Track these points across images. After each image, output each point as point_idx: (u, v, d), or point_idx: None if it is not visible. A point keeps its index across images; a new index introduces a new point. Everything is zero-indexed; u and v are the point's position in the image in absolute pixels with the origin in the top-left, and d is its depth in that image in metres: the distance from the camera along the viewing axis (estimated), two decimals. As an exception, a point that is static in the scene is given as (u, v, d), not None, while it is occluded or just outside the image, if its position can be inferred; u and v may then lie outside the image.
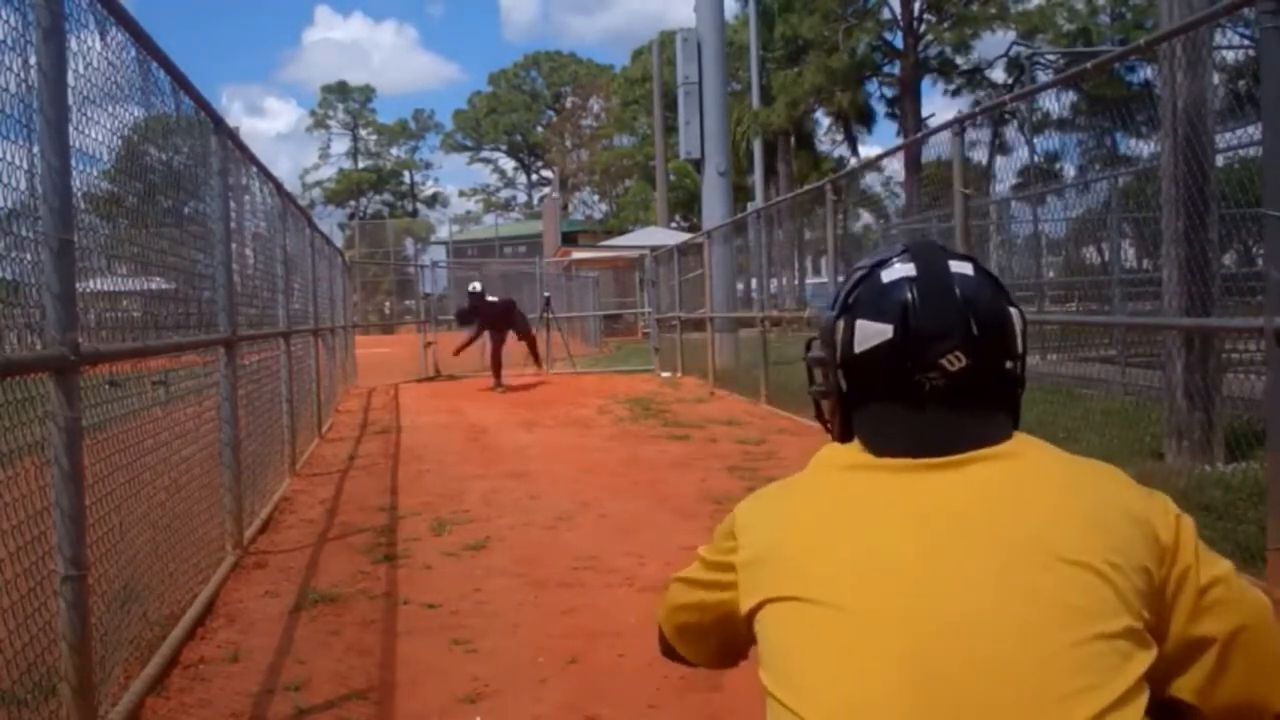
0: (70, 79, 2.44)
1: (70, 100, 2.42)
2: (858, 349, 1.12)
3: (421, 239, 48.56)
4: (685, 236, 19.89)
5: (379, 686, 2.99)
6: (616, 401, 10.86)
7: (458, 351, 13.34)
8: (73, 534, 2.29)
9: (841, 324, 1.14)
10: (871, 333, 1.10)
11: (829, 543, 1.03)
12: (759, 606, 1.04)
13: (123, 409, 3.09)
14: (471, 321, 12.88)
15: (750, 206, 18.51)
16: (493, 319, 12.72)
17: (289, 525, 5.23)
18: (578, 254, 27.67)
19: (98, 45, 2.87)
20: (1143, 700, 0.92)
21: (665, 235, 24.53)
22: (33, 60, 2.28)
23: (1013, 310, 1.12)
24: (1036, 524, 0.98)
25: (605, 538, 4.76)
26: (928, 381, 1.08)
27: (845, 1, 28.94)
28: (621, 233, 34.99)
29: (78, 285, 2.40)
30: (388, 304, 29.10)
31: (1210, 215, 5.23)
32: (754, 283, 12.28)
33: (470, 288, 13.22)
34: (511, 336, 12.97)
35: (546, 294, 16.59)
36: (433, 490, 6.08)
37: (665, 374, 14.36)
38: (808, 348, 1.23)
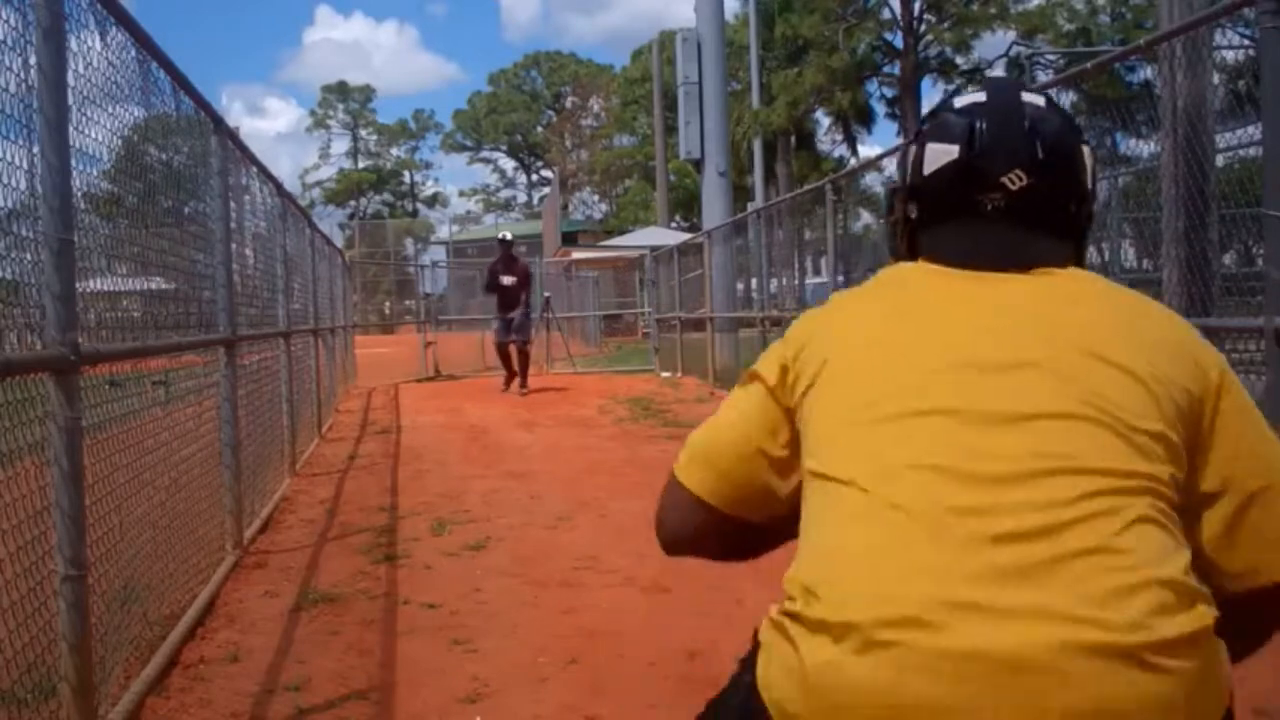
0: (70, 79, 2.43)
1: (70, 100, 2.42)
2: (926, 170, 1.16)
3: (421, 239, 48.59)
4: (685, 236, 19.87)
5: (379, 686, 2.99)
6: (617, 401, 10.85)
7: (506, 362, 11.81)
8: (73, 534, 2.29)
9: (913, 149, 1.19)
10: (939, 153, 1.15)
11: (877, 332, 1.08)
12: (808, 389, 1.07)
13: (123, 409, 3.09)
14: (495, 288, 11.66)
15: (750, 206, 18.49)
16: (507, 291, 11.52)
17: (289, 525, 5.23)
18: (578, 254, 27.65)
19: (98, 45, 2.87)
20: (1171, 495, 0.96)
21: (665, 235, 24.53)
22: (33, 60, 2.27)
23: (1084, 147, 1.15)
24: (1083, 327, 1.02)
25: (605, 537, 4.76)
26: (989, 201, 1.11)
27: (845, 1, 28.93)
28: (621, 233, 35.00)
29: (78, 285, 2.40)
30: (388, 304, 29.05)
31: (1210, 215, 5.23)
32: (754, 283, 12.26)
33: (500, 236, 12.48)
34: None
35: (547, 294, 16.48)
36: (433, 490, 6.08)
37: (665, 374, 14.35)
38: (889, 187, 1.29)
